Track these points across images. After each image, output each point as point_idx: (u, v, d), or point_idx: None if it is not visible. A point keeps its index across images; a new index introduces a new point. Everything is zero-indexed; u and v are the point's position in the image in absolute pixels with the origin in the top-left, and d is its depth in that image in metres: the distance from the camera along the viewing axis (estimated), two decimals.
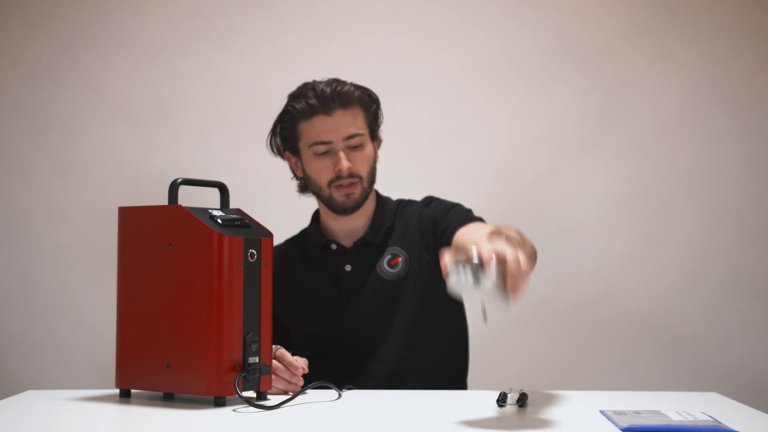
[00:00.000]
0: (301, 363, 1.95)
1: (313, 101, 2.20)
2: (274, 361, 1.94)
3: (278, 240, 2.40)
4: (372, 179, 2.27)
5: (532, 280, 3.09)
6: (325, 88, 2.21)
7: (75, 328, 3.20)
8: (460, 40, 3.24)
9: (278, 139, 2.32)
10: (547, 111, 3.22)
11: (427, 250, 2.26)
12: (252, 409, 1.77)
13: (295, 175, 2.37)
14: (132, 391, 1.93)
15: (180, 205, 1.83)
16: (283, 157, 2.36)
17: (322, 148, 2.22)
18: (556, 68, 3.23)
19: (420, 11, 3.25)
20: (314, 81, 2.25)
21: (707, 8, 3.21)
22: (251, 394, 1.89)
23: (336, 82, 2.23)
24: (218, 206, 1.93)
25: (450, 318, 2.31)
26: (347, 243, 2.30)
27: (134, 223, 1.90)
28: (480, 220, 2.25)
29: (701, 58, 3.21)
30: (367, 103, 2.26)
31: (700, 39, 3.21)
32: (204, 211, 1.84)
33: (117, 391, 1.93)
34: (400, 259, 2.26)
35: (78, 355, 3.19)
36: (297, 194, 3.17)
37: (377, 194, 2.36)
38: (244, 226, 1.86)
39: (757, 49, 3.21)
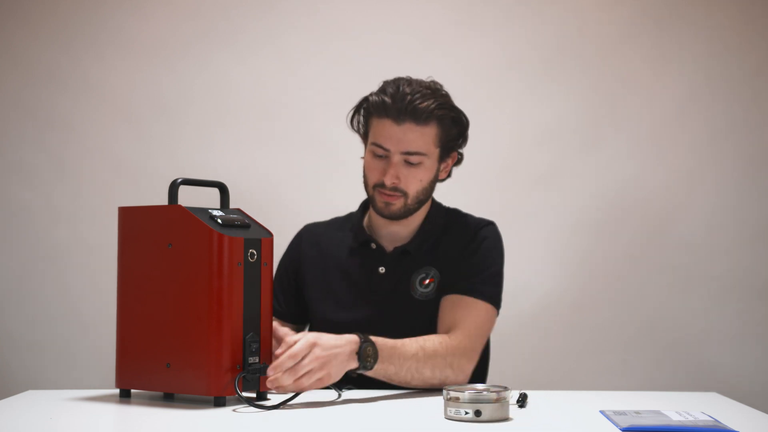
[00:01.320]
0: (282, 332, 1.96)
1: (388, 101, 2.13)
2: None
3: (281, 234, 2.39)
4: (421, 198, 2.21)
5: (533, 281, 3.09)
6: (407, 94, 2.12)
7: (75, 328, 3.20)
8: (460, 40, 3.24)
9: (360, 119, 2.24)
10: (547, 111, 3.22)
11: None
12: (252, 409, 1.77)
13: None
14: (132, 391, 1.93)
15: (180, 205, 1.83)
16: (360, 136, 2.28)
17: (379, 151, 2.17)
18: (556, 68, 3.22)
19: (420, 11, 3.25)
20: (405, 79, 2.17)
21: (707, 8, 3.21)
22: (251, 394, 1.89)
23: (422, 92, 2.14)
24: (218, 206, 1.93)
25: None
26: (388, 246, 2.27)
27: (134, 223, 1.90)
28: (487, 295, 2.17)
29: (701, 58, 3.20)
30: (447, 125, 2.18)
31: (700, 39, 3.21)
32: (204, 211, 1.85)
33: (117, 391, 1.93)
34: (433, 281, 2.22)
35: (78, 355, 3.19)
36: (299, 194, 3.19)
37: (432, 201, 2.31)
38: (244, 226, 1.86)
39: (757, 49, 3.21)
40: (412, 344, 2.03)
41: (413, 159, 2.16)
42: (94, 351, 3.16)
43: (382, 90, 2.18)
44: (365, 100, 2.21)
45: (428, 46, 3.22)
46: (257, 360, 1.83)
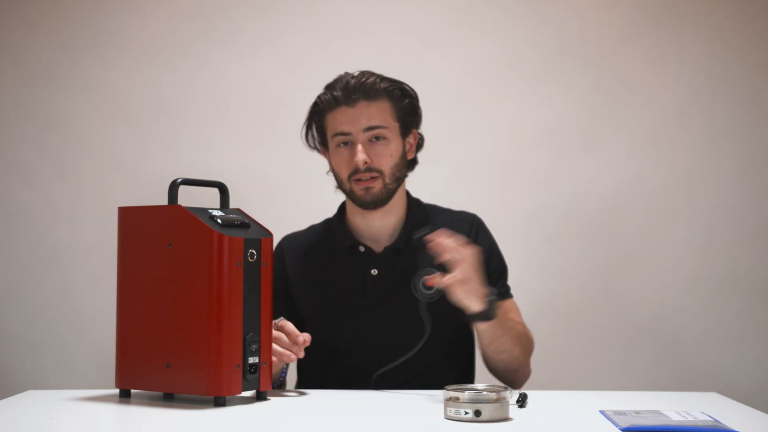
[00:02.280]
0: (304, 335, 1.96)
1: (338, 93, 2.18)
2: (274, 331, 1.94)
3: (281, 234, 2.39)
4: (397, 176, 2.21)
5: (533, 281, 3.08)
6: (350, 79, 2.18)
7: (75, 328, 3.20)
8: (460, 40, 3.24)
9: (313, 132, 2.27)
10: (547, 111, 3.22)
11: None
12: (252, 408, 1.77)
13: (331, 170, 2.31)
14: (132, 391, 1.93)
15: (180, 205, 1.84)
16: (319, 152, 2.31)
17: (341, 138, 2.18)
18: (556, 68, 3.23)
19: (420, 11, 3.25)
20: (346, 73, 2.22)
21: (707, 8, 3.21)
22: (251, 394, 1.89)
23: (364, 74, 2.20)
24: (218, 206, 1.93)
25: (466, 340, 2.30)
26: (376, 247, 2.25)
27: (134, 223, 1.90)
28: (507, 292, 2.30)
29: (701, 58, 3.21)
30: (398, 97, 2.21)
31: (700, 39, 3.21)
32: (204, 211, 1.85)
33: (117, 391, 1.93)
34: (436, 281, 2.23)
35: (78, 355, 3.19)
36: (299, 194, 3.19)
37: (408, 195, 2.31)
38: (244, 226, 1.86)
39: (757, 49, 3.21)
40: (508, 320, 2.14)
41: (377, 133, 2.17)
42: (94, 351, 3.16)
43: (328, 88, 2.22)
44: (314, 104, 2.24)
45: (428, 46, 3.22)
46: (257, 360, 1.83)
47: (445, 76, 3.23)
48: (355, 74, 2.20)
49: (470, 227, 2.29)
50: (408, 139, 2.26)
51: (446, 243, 1.94)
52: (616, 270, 3.20)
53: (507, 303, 2.29)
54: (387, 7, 3.25)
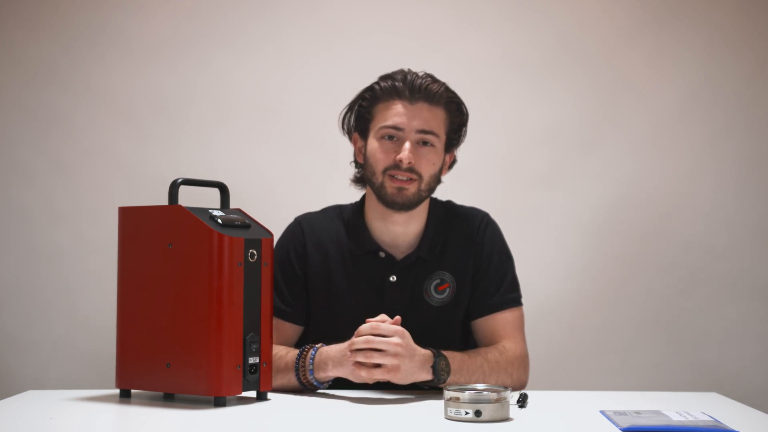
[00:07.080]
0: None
1: (399, 85, 2.13)
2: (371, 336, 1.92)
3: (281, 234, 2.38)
4: (431, 185, 2.16)
5: (533, 282, 3.09)
6: (416, 78, 2.14)
7: (75, 328, 3.20)
8: (460, 41, 3.24)
9: (352, 117, 2.22)
10: (547, 111, 3.22)
11: (471, 281, 2.21)
12: (252, 408, 1.77)
13: (356, 161, 2.25)
14: (132, 391, 1.93)
15: (180, 205, 1.84)
16: (350, 138, 2.25)
17: (391, 131, 2.12)
18: (555, 68, 3.23)
19: (420, 12, 3.25)
20: (409, 69, 2.18)
21: (707, 8, 3.21)
22: (251, 394, 1.89)
23: (430, 77, 2.16)
24: (218, 206, 1.93)
25: (472, 340, 2.29)
26: (397, 253, 2.19)
27: (134, 223, 1.90)
28: (515, 299, 2.22)
29: (700, 58, 3.21)
30: (454, 111, 2.18)
31: (699, 39, 3.21)
32: (204, 211, 1.85)
33: (117, 391, 1.93)
34: (448, 286, 2.19)
35: (78, 355, 3.19)
36: (299, 194, 3.19)
37: (429, 201, 2.24)
38: (244, 226, 1.86)
39: (757, 49, 3.21)
40: (476, 357, 2.07)
41: (427, 138, 2.13)
42: (94, 351, 3.16)
43: (389, 77, 2.17)
44: (369, 89, 2.18)
45: (428, 46, 3.22)
46: (257, 360, 1.83)
47: (445, 76, 3.20)
48: (420, 74, 2.17)
49: (478, 226, 2.25)
50: (446, 157, 2.22)
51: (366, 337, 1.92)
52: (616, 270, 3.20)
53: (499, 318, 2.20)
54: (387, 7, 3.25)
